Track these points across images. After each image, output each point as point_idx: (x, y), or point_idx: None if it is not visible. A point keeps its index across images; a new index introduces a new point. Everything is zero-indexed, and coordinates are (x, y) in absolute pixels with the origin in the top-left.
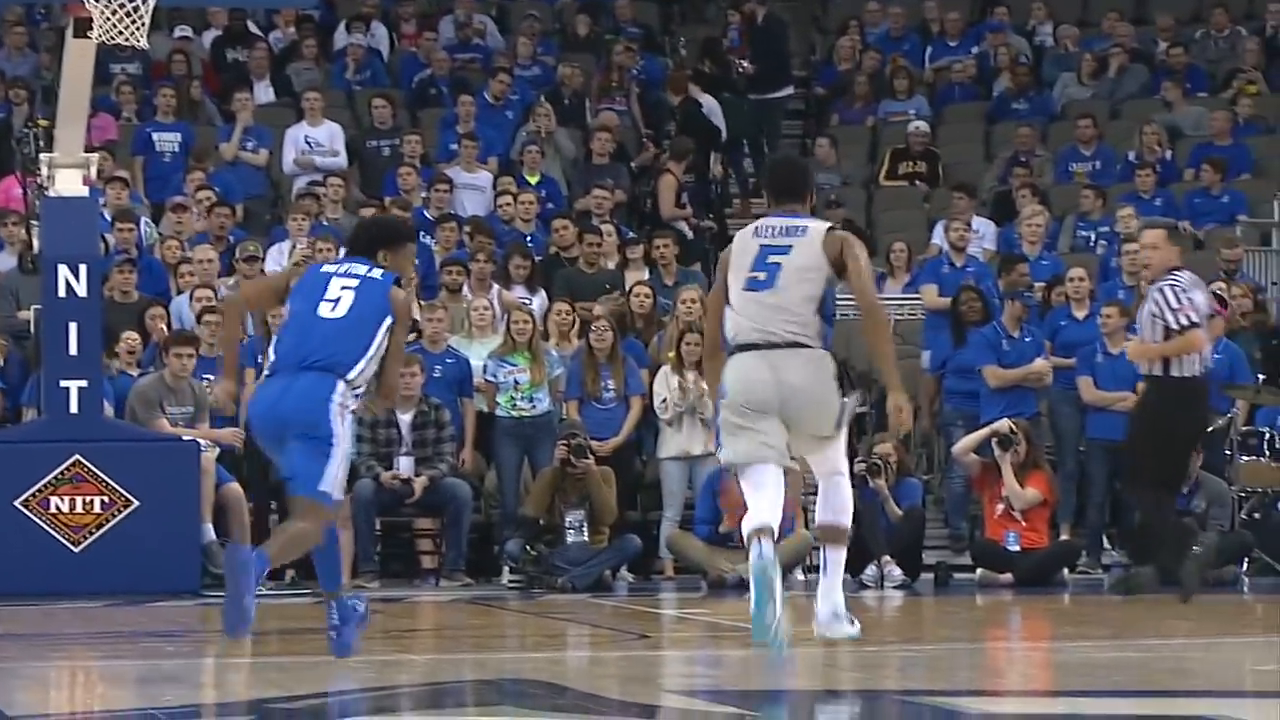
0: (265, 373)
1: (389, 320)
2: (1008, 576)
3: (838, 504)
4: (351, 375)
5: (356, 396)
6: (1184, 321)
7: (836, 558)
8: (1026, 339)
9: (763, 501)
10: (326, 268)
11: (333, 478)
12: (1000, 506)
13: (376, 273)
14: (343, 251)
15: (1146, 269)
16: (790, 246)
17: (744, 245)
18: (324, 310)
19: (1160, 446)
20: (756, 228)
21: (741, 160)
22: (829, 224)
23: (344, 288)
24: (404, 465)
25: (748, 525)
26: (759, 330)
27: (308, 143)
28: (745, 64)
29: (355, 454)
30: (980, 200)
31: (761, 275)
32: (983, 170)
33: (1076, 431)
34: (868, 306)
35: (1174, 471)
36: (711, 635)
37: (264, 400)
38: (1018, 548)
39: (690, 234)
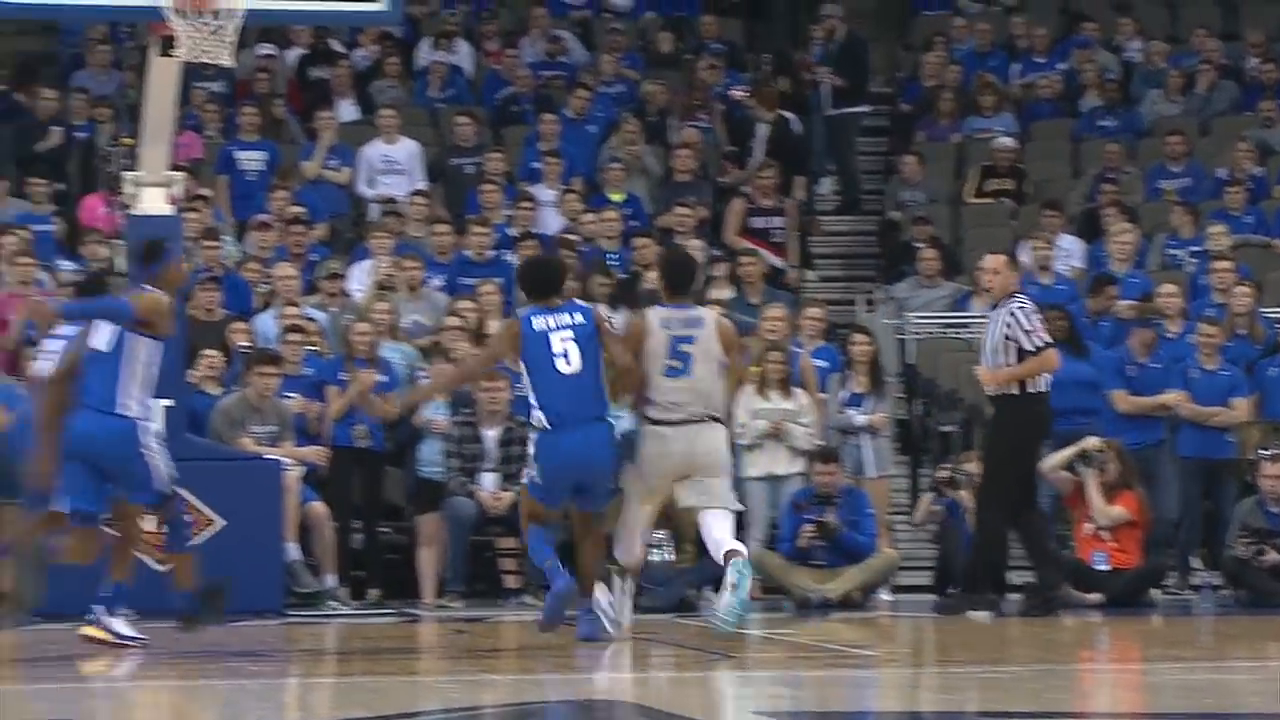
0: (544, 424)
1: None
2: (1096, 596)
3: (719, 531)
4: (610, 414)
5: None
6: (1038, 343)
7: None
8: (1155, 365)
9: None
10: (537, 324)
11: None
12: (1089, 526)
13: (579, 316)
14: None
15: (988, 292)
16: (694, 336)
17: (654, 333)
18: (561, 366)
19: (1017, 463)
20: (664, 320)
21: (819, 178)
22: (716, 313)
23: (564, 340)
24: (489, 482)
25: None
26: (680, 410)
27: (384, 161)
28: (832, 78)
29: (444, 470)
30: (1068, 218)
31: (677, 364)
32: (1070, 187)
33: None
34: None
35: (1029, 487)
36: (796, 656)
37: (567, 453)
38: (1106, 567)
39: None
